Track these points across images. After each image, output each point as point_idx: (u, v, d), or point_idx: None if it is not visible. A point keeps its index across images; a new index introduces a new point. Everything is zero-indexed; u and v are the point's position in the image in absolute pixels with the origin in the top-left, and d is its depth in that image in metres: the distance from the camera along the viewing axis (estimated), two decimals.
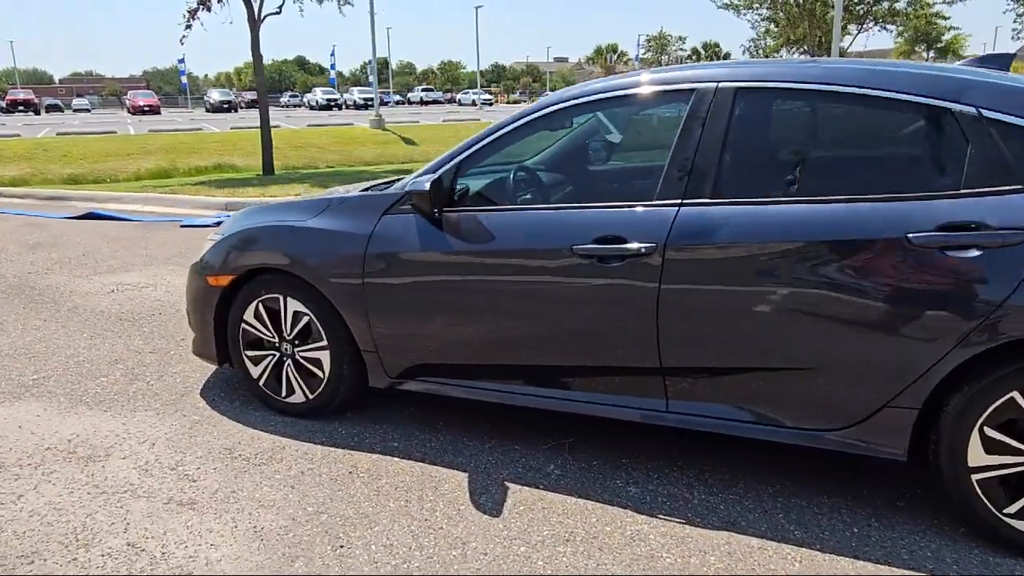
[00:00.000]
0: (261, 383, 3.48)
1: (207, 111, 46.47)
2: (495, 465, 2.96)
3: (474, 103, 55.72)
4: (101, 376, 3.98)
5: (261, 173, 13.09)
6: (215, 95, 48.72)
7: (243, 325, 3.43)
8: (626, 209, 2.67)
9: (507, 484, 2.82)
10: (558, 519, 2.59)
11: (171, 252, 7.15)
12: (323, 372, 3.30)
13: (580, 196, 3.13)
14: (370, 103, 49.97)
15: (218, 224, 5.90)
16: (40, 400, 3.66)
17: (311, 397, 3.36)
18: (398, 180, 3.77)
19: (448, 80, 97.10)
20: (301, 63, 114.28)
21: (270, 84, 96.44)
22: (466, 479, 2.86)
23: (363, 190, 3.49)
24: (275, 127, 24.95)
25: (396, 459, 3.03)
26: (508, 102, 66.17)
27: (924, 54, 49.76)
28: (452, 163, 2.99)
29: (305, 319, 3.28)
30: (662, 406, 2.73)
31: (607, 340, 2.72)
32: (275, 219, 3.34)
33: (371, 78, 43.17)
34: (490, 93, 65.13)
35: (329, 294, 3.15)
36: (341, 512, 2.66)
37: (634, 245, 2.60)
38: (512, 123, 2.95)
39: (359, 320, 3.13)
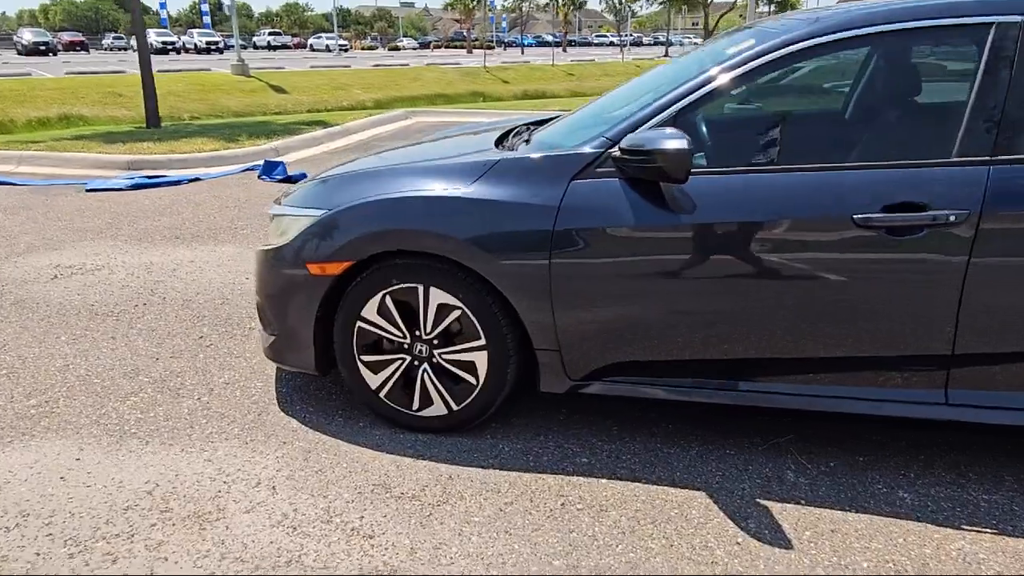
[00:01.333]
0: (382, 394, 2.76)
1: (19, 54, 40.63)
2: (725, 477, 2.49)
3: (328, 48, 52.58)
4: (128, 394, 3.07)
5: (144, 125, 11.38)
6: (28, 35, 42.49)
7: (359, 324, 2.69)
8: (919, 169, 2.22)
9: (760, 502, 2.36)
10: (860, 544, 2.17)
11: (99, 223, 5.91)
12: (476, 378, 2.65)
13: (846, 154, 2.52)
14: (214, 46, 46.00)
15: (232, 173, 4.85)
16: (62, 436, 2.74)
17: (456, 408, 2.70)
18: (510, 132, 3.11)
19: (294, 23, 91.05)
20: (120, 1, 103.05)
21: (86, 24, 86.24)
22: (708, 500, 2.37)
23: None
24: (119, 73, 22.24)
25: (603, 481, 2.48)
26: (363, 48, 63.10)
27: None
28: (666, 113, 2.40)
29: (455, 314, 2.60)
30: (940, 397, 2.35)
31: (884, 325, 2.29)
32: (408, 188, 2.60)
33: (206, 20, 39.57)
34: (344, 38, 61.75)
35: (498, 281, 2.49)
36: (603, 565, 2.09)
37: (938, 213, 2.17)
38: (743, 62, 2.39)
39: (539, 313, 2.50)
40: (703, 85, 2.39)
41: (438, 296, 2.59)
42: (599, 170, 2.43)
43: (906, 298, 2.25)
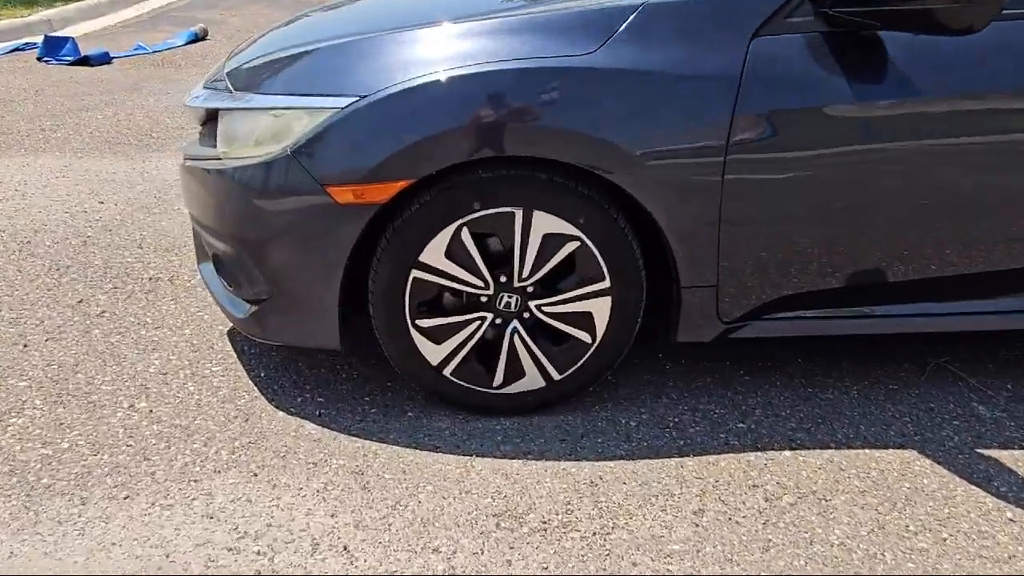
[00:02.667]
0: (448, 371, 1.89)
1: None
2: (916, 424, 1.96)
3: None
4: (2, 416, 1.91)
5: None
6: None
7: (415, 275, 1.76)
8: None
9: (981, 451, 1.87)
10: None
11: None
12: (592, 333, 1.86)
13: None
14: None
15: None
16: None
17: (558, 378, 1.91)
18: None
19: None
20: None
21: None
22: (925, 460, 1.84)
23: None
24: None
25: (785, 453, 1.85)
26: None
27: None
28: None
29: (570, 247, 1.76)
30: None
31: None
32: (489, 58, 1.65)
33: None
34: None
35: (645, 194, 1.68)
36: None
37: None
38: None
39: (697, 236, 1.74)
40: None
41: (545, 223, 1.73)
42: (791, 21, 1.64)
43: None
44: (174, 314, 2.40)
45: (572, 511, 1.65)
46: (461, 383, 1.91)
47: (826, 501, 1.70)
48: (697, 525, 1.62)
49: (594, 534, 1.59)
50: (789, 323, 1.93)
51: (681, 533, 1.60)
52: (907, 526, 1.64)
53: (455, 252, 1.75)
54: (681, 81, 1.65)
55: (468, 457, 1.81)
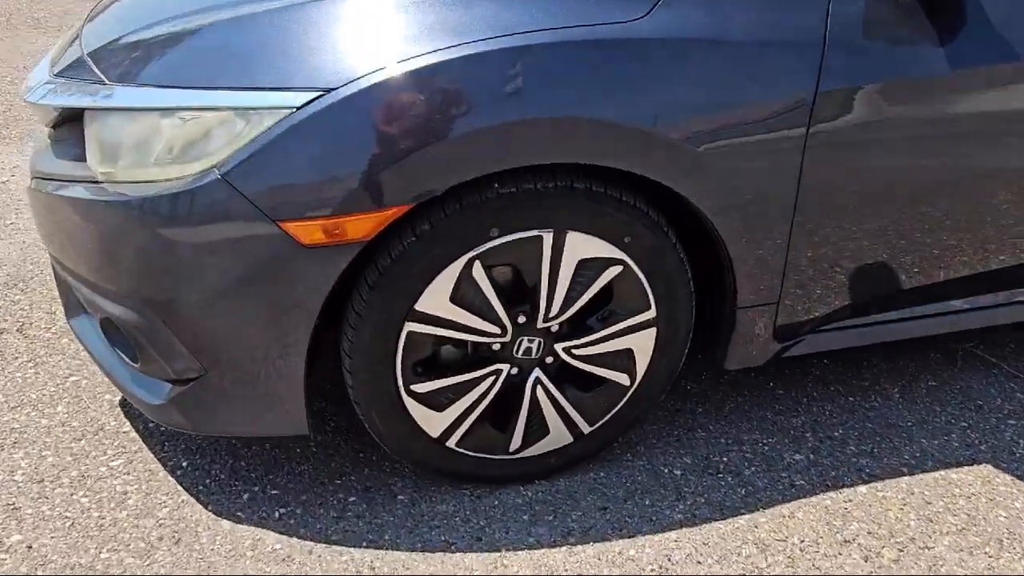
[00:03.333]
0: (452, 442, 1.44)
1: None
2: (971, 426, 1.75)
3: None
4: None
5: None
6: None
7: (410, 329, 1.29)
8: None
9: None
10: None
11: None
12: (632, 374, 1.47)
13: None
14: None
15: None
16: None
17: (588, 431, 1.52)
18: None
19: None
20: None
21: None
22: (1007, 476, 1.62)
23: None
24: None
25: (859, 489, 1.56)
26: None
27: None
28: None
29: (611, 273, 1.35)
30: None
31: None
32: (492, 24, 1.17)
33: None
34: None
35: (707, 200, 1.30)
36: None
37: None
38: None
39: (767, 242, 1.39)
40: None
41: (581, 247, 1.30)
42: None
43: None
44: (36, 384, 1.77)
45: None
46: (470, 454, 1.47)
47: (929, 550, 1.43)
48: None
49: None
50: (843, 334, 1.63)
51: None
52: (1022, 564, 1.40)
53: (464, 294, 1.29)
54: (752, 51, 1.25)
55: (496, 553, 1.39)
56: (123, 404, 1.70)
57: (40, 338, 1.93)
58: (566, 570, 1.36)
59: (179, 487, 1.50)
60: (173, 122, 1.21)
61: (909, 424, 1.75)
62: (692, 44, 1.23)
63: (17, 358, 1.85)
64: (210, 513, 1.45)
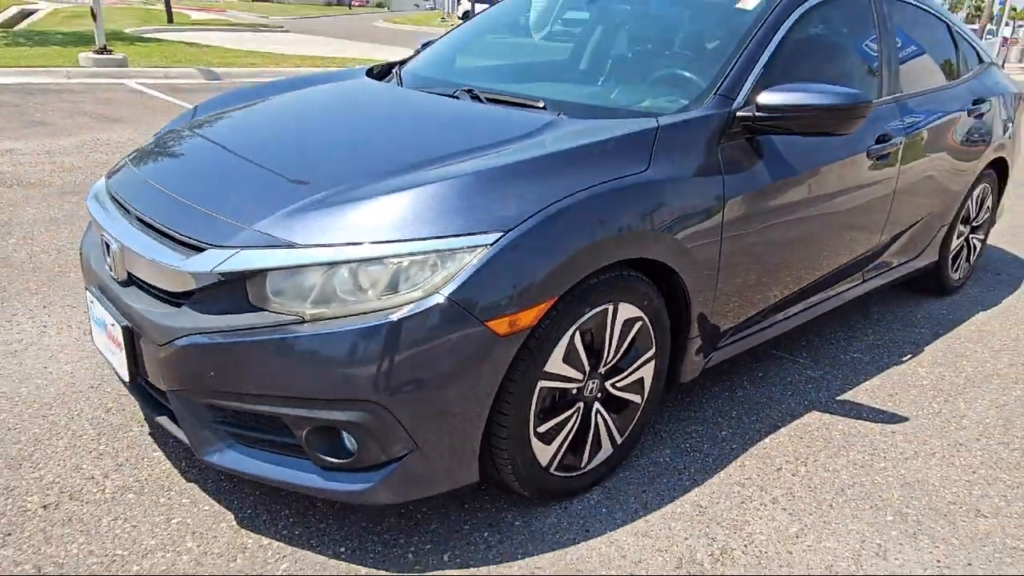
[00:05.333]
0: (554, 468, 2.02)
1: None
2: (803, 395, 2.79)
3: None
4: None
5: None
6: None
7: (541, 384, 1.88)
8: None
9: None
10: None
11: None
12: (642, 395, 2.21)
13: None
14: None
15: None
16: None
17: (620, 441, 2.21)
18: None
19: None
20: None
21: None
22: (828, 418, 2.67)
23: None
24: None
25: (784, 431, 2.48)
26: None
27: None
28: (757, 70, 2.38)
29: (637, 326, 2.09)
30: (859, 279, 3.15)
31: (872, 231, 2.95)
32: (575, 183, 1.87)
33: None
34: None
35: (686, 271, 2.13)
36: None
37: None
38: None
39: (708, 293, 2.25)
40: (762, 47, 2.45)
41: (624, 312, 2.03)
42: (734, 130, 2.27)
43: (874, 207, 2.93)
44: (149, 530, 1.89)
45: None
46: (559, 475, 2.05)
47: (815, 461, 2.37)
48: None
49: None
50: (745, 340, 2.56)
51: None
52: (842, 464, 2.41)
53: (569, 355, 1.92)
54: (697, 181, 2.13)
55: (603, 536, 1.99)
56: (243, 523, 1.93)
57: (95, 501, 2.01)
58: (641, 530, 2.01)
59: (351, 564, 1.83)
60: (375, 267, 1.67)
61: (773, 398, 2.73)
62: (669, 181, 2.06)
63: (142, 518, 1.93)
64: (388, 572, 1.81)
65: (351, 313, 1.66)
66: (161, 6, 27.50)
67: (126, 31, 17.70)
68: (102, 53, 10.64)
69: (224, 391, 1.74)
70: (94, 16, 10.67)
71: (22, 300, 3.17)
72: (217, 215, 1.82)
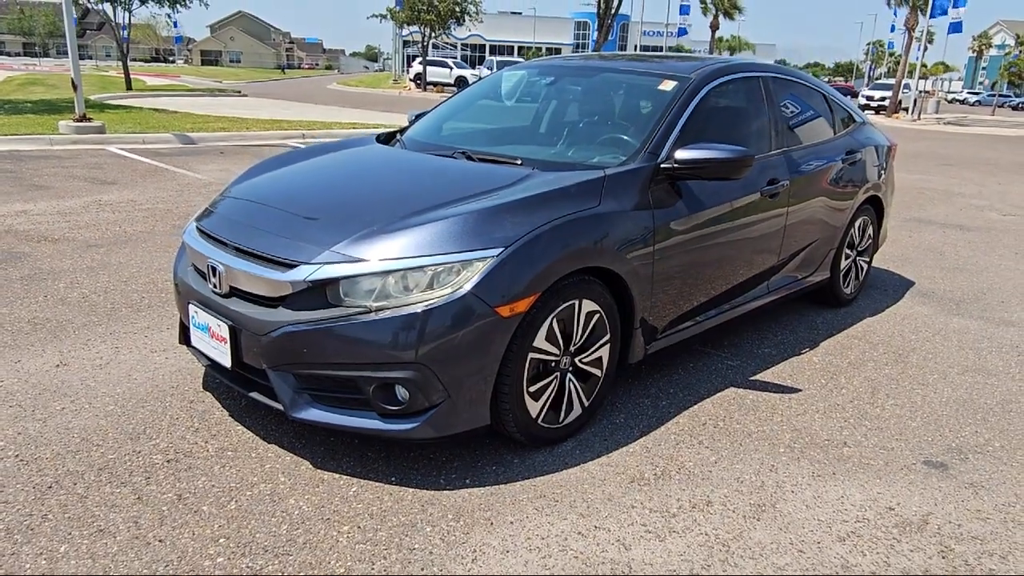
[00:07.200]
0: (540, 419, 2.80)
1: None
2: (741, 372, 3.64)
3: None
4: None
5: None
6: None
7: (531, 355, 2.67)
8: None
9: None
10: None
11: None
12: (602, 369, 3.02)
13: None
14: None
15: None
16: None
17: (587, 404, 3.01)
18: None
19: None
20: None
21: None
22: (748, 392, 3.50)
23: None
24: None
25: (705, 405, 3.30)
26: None
27: None
28: (675, 133, 3.28)
29: (595, 318, 2.90)
30: (765, 289, 4.05)
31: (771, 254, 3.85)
32: (554, 215, 2.71)
33: None
34: None
35: (629, 278, 2.96)
36: None
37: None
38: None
39: (646, 296, 3.09)
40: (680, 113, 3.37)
41: (586, 306, 2.85)
42: (659, 177, 3.16)
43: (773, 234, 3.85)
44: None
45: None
46: (545, 426, 2.83)
47: (731, 418, 3.20)
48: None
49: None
50: (676, 334, 3.40)
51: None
52: (750, 419, 3.25)
53: (551, 335, 2.72)
54: (633, 214, 2.98)
55: (582, 465, 2.76)
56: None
57: (204, 456, 2.70)
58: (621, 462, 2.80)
59: (401, 487, 2.56)
60: (419, 273, 2.47)
61: (705, 380, 3.56)
62: (615, 214, 2.91)
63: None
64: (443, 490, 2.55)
65: (402, 304, 2.44)
66: (114, 72, 28.08)
67: (91, 98, 18.29)
68: (81, 121, 11.28)
69: (315, 363, 2.49)
70: (75, 87, 11.35)
71: (90, 329, 3.84)
72: (301, 242, 2.60)
